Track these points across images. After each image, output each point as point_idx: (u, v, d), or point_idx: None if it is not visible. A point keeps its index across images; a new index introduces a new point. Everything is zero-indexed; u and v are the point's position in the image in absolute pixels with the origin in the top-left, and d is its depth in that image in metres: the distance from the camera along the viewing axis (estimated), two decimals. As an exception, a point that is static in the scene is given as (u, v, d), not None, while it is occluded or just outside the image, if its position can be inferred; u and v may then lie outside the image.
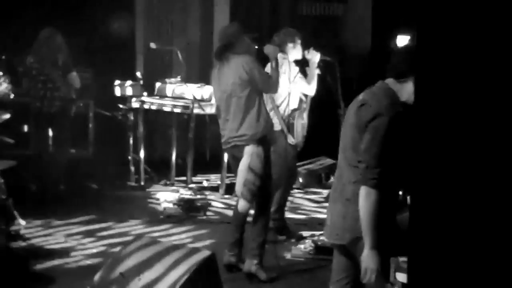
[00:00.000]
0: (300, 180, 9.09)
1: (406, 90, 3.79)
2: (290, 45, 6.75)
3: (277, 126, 6.61)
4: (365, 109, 3.72)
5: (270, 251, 6.15)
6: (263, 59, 6.12)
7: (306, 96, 6.94)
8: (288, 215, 7.45)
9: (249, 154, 5.83)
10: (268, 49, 6.11)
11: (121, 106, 8.98)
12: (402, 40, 8.10)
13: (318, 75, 6.92)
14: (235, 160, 5.99)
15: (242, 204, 5.93)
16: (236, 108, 5.85)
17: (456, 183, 2.16)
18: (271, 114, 6.51)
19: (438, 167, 2.19)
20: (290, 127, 6.77)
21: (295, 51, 6.81)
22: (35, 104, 7.92)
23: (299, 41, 6.81)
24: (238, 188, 5.95)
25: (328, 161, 9.33)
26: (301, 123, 6.84)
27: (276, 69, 6.00)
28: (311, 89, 6.88)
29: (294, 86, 6.75)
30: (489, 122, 2.12)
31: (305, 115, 6.92)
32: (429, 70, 2.19)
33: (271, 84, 5.94)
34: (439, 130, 2.18)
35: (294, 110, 6.79)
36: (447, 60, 2.15)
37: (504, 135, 2.11)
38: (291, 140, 6.75)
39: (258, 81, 5.80)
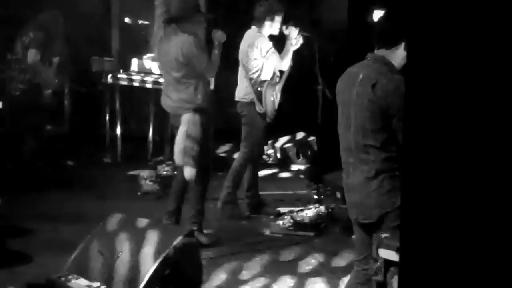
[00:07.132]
0: (278, 155, 9.06)
1: (398, 57, 3.77)
2: (267, 22, 6.78)
3: (249, 96, 6.75)
4: (380, 88, 3.68)
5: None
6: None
7: (281, 72, 6.92)
8: (266, 191, 7.43)
9: (186, 122, 5.99)
10: (215, 34, 6.21)
11: (96, 82, 8.88)
12: (378, 15, 8.03)
13: (295, 51, 6.89)
14: (176, 129, 6.12)
15: (187, 171, 6.03)
16: (172, 84, 6.06)
17: (446, 180, 2.13)
18: (245, 83, 6.72)
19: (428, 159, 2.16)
20: (258, 95, 6.76)
21: (271, 28, 6.85)
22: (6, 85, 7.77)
23: (278, 19, 6.81)
24: (177, 157, 6.07)
25: (302, 135, 9.26)
26: (272, 93, 6.79)
27: (218, 54, 6.12)
28: (283, 64, 6.86)
29: (266, 62, 6.73)
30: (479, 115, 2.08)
31: (277, 88, 6.88)
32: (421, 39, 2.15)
33: (209, 69, 6.06)
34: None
35: (264, 81, 6.77)
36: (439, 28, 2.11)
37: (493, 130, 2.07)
38: (259, 108, 6.75)
39: (196, 64, 5.97)
